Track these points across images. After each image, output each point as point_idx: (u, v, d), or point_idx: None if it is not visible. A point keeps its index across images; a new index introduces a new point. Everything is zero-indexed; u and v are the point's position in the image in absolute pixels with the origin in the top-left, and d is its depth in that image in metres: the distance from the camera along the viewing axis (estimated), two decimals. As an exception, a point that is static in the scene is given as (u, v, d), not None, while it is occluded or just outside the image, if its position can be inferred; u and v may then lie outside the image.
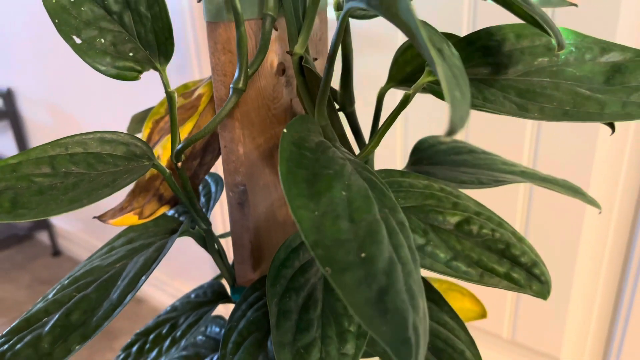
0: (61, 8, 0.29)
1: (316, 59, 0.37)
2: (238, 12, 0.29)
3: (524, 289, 0.31)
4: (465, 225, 0.32)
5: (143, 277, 0.31)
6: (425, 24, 0.23)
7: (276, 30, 0.33)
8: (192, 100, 0.40)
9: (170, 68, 1.12)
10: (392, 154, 0.89)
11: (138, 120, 0.48)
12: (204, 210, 0.43)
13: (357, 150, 0.38)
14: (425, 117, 0.82)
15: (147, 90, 0.95)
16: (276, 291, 0.30)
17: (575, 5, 0.34)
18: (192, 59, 1.08)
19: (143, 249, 0.35)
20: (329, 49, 0.34)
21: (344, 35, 0.34)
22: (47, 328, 0.30)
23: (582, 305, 0.81)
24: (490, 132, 0.77)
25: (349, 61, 0.35)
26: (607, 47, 0.30)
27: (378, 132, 0.32)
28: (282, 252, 0.32)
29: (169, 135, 0.39)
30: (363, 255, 0.21)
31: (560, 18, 0.66)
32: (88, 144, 0.31)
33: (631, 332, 0.77)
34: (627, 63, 0.29)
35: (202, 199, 0.44)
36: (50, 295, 0.33)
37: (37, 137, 1.77)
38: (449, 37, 0.31)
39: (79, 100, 1.48)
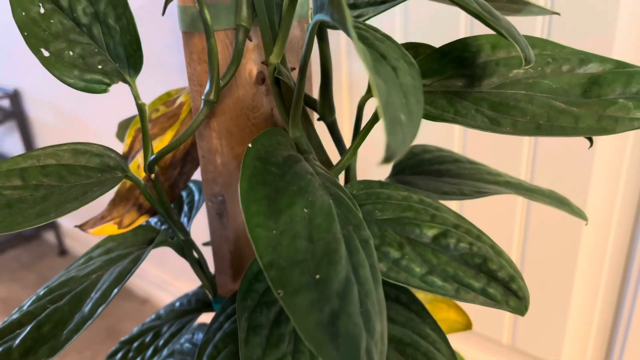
0: (31, 21, 0.29)
1: (294, 69, 0.36)
2: (207, 23, 0.28)
3: (500, 305, 0.30)
4: (442, 239, 0.31)
5: (115, 290, 0.31)
6: (386, 38, 0.22)
7: (250, 40, 0.32)
8: (173, 109, 0.40)
9: (172, 69, 1.12)
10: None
11: (124, 126, 0.48)
12: (186, 218, 0.42)
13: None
14: (425, 123, 0.81)
15: (154, 91, 0.95)
16: (247, 305, 0.30)
17: (558, 14, 0.33)
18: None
19: (119, 260, 0.35)
20: (308, 59, 0.33)
21: (321, 44, 0.34)
22: (17, 340, 0.30)
23: (583, 311, 0.80)
24: (487, 143, 0.76)
25: (328, 70, 0.35)
26: (586, 58, 0.29)
27: (353, 144, 0.31)
28: (256, 266, 0.31)
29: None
30: (318, 276, 0.20)
31: (556, 25, 0.65)
32: (61, 155, 0.31)
33: (633, 338, 0.76)
34: (605, 74, 0.28)
35: (185, 207, 0.43)
36: (25, 307, 0.33)
37: (44, 137, 1.78)
38: (423, 47, 0.30)
39: (85, 101, 1.48)
